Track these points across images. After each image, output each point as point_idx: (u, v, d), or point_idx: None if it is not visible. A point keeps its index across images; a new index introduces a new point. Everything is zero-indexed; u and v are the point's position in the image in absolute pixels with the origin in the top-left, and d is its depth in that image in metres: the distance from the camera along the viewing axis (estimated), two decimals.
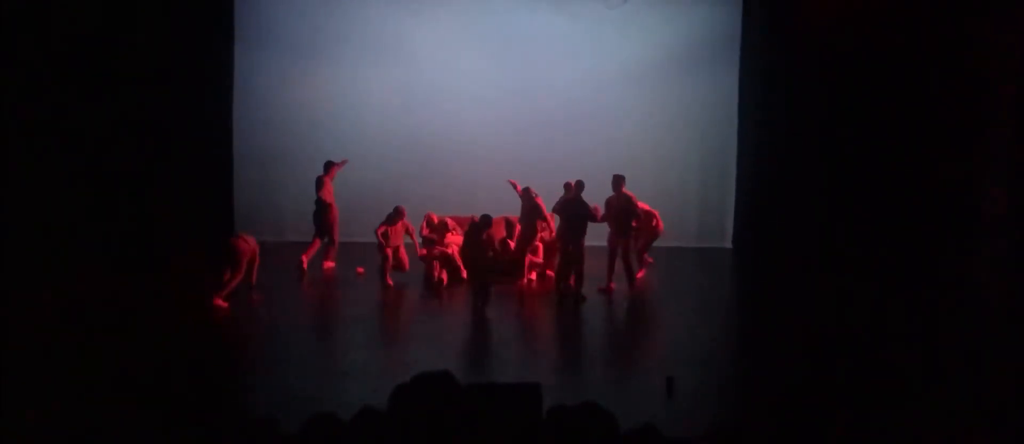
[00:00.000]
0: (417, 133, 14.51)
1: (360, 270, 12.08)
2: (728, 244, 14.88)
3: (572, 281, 10.84)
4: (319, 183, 12.25)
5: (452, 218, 12.67)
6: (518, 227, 12.23)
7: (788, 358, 8.49)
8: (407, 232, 11.88)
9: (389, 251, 11.52)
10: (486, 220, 10.69)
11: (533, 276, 11.96)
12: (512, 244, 12.10)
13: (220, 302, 9.85)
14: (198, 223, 13.41)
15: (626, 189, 11.25)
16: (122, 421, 5.83)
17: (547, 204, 11.68)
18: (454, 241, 12.23)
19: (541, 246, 12.09)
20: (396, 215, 11.69)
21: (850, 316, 10.00)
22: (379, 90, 14.56)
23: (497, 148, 14.39)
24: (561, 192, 11.52)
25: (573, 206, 10.94)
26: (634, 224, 11.40)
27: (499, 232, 12.18)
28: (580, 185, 11.07)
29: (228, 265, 10.04)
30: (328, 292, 11.27)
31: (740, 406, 7.26)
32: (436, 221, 12.50)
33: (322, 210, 12.13)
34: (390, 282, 11.36)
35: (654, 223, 12.10)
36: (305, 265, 11.77)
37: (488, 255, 10.83)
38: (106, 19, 12.10)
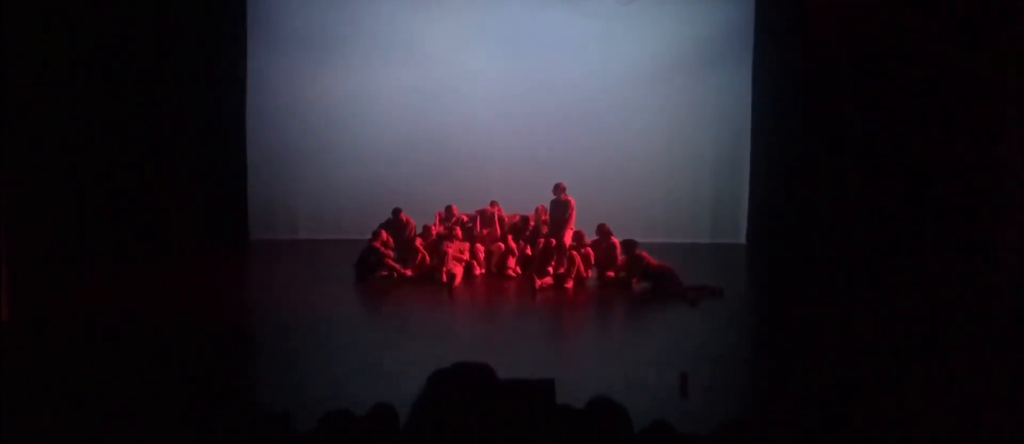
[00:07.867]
0: (429, 131, 14.55)
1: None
2: (742, 240, 14.84)
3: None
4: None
5: (466, 215, 12.70)
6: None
7: (802, 355, 8.46)
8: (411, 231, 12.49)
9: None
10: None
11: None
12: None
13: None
14: (212, 220, 13.49)
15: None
16: (136, 417, 5.87)
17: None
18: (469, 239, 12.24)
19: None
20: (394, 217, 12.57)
21: (864, 313, 9.96)
22: (391, 88, 14.60)
23: (509, 145, 14.43)
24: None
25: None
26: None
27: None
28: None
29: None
30: (342, 290, 11.28)
31: (753, 403, 7.23)
32: (455, 214, 12.54)
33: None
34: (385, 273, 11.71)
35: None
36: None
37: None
38: (120, 18, 12.17)
